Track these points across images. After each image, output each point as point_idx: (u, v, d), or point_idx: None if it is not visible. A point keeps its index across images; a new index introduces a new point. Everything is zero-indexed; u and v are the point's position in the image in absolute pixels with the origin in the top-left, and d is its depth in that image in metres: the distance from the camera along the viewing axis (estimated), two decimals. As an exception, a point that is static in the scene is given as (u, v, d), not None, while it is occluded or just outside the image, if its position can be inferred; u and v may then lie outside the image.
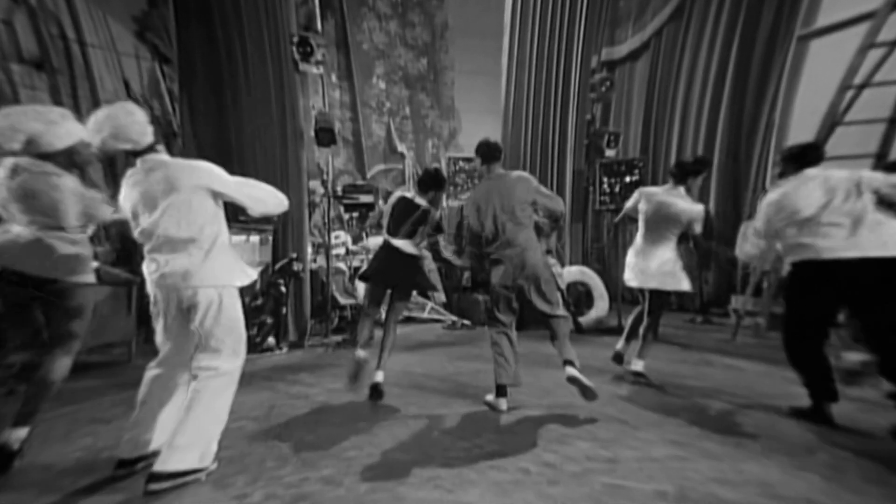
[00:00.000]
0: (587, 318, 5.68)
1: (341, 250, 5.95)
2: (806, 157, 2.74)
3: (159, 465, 1.88)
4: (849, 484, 1.99)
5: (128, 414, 2.13)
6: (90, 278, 2.30)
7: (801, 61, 6.59)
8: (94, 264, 2.41)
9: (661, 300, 3.47)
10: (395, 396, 3.13)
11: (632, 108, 8.69)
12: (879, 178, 2.53)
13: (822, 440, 2.44)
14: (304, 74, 5.21)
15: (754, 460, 2.21)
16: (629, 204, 3.62)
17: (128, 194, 2.02)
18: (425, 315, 6.09)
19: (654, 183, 6.74)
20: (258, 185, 2.19)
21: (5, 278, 2.13)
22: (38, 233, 2.14)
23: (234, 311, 2.09)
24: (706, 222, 5.86)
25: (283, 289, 4.59)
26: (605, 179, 6.15)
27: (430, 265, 3.56)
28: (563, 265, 5.72)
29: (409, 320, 5.98)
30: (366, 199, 6.06)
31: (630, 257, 3.57)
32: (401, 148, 9.04)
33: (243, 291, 2.21)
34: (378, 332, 3.31)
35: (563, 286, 5.18)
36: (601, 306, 5.74)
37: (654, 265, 3.39)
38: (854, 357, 3.22)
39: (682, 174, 3.46)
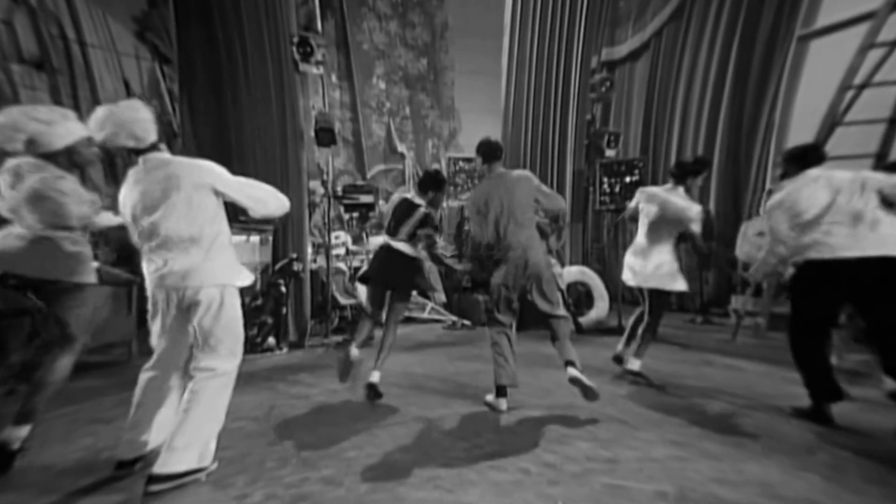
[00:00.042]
0: (587, 319, 5.67)
1: (341, 250, 5.95)
2: (808, 157, 2.75)
3: (159, 467, 1.88)
4: (849, 484, 1.99)
5: (127, 415, 2.12)
6: (91, 278, 2.30)
7: (801, 61, 6.58)
8: (95, 265, 2.40)
9: (660, 300, 3.47)
10: (396, 396, 3.13)
11: (632, 109, 8.69)
12: (883, 179, 2.55)
13: (822, 440, 2.45)
14: (304, 74, 5.21)
15: (754, 460, 2.21)
16: (632, 204, 3.62)
17: (129, 193, 2.02)
18: (425, 315, 6.09)
19: (654, 183, 6.74)
20: (260, 186, 2.18)
21: (5, 282, 2.13)
22: (39, 234, 2.14)
23: (234, 310, 2.09)
24: (706, 223, 5.88)
25: (283, 289, 4.59)
26: (605, 179, 6.15)
27: (429, 266, 3.55)
28: (563, 265, 5.72)
29: (409, 320, 5.97)
30: (366, 199, 6.06)
31: (629, 256, 3.58)
32: (401, 148, 9.04)
33: (243, 292, 2.21)
34: (379, 333, 3.32)
35: (563, 286, 5.19)
36: (601, 306, 5.74)
37: (652, 264, 3.40)
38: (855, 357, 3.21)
39: (682, 174, 3.46)
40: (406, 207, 3.27)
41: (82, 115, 2.25)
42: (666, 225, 3.39)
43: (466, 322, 5.90)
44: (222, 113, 4.83)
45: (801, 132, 6.01)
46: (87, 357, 3.56)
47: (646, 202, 3.48)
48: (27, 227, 2.14)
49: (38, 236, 2.14)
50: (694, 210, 3.30)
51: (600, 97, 6.88)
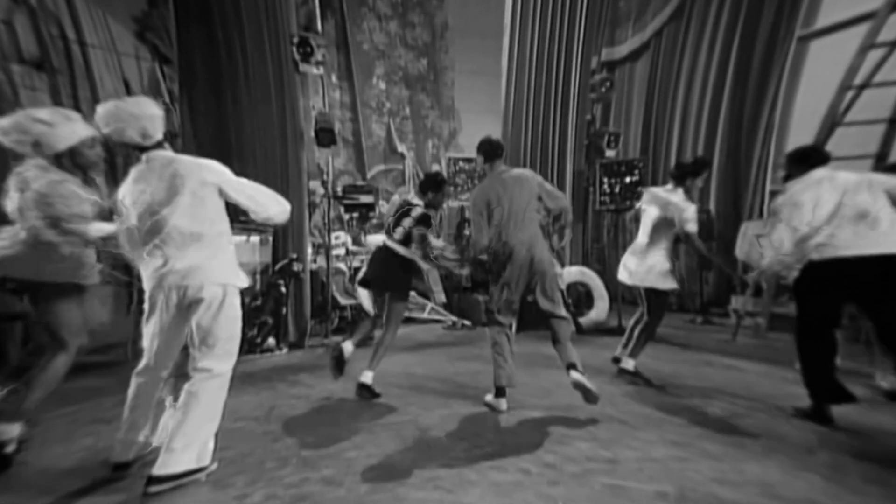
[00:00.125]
0: (587, 319, 5.67)
1: (341, 251, 5.95)
2: (812, 158, 2.75)
3: (158, 469, 1.88)
4: (849, 484, 1.99)
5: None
6: (87, 280, 2.29)
7: (801, 62, 6.59)
8: (98, 266, 2.40)
9: (658, 301, 3.47)
10: (395, 397, 3.13)
11: (632, 109, 8.69)
12: (887, 180, 2.57)
13: (822, 440, 2.45)
14: (305, 75, 5.20)
15: (755, 461, 2.21)
16: (639, 204, 3.65)
17: (130, 190, 2.01)
18: (425, 315, 6.09)
19: (654, 183, 6.74)
20: (263, 190, 2.18)
21: (3, 286, 2.13)
22: (36, 236, 2.13)
23: (234, 310, 2.08)
24: (706, 223, 5.87)
25: (283, 289, 4.59)
26: (606, 180, 6.15)
27: (428, 267, 3.55)
28: (563, 265, 5.72)
29: (409, 320, 5.96)
30: (366, 199, 6.05)
31: (627, 255, 3.61)
32: (401, 148, 9.05)
33: (243, 292, 2.21)
34: (379, 333, 3.32)
35: (563, 286, 5.19)
36: (601, 307, 5.73)
37: (646, 264, 3.42)
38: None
39: (682, 175, 3.47)
40: (404, 208, 3.30)
41: (83, 116, 2.25)
42: (665, 226, 3.40)
43: (466, 322, 5.90)
44: (222, 113, 4.83)
45: (801, 133, 6.01)
46: (87, 357, 3.57)
47: (647, 203, 3.50)
48: (27, 228, 2.13)
49: (35, 239, 2.13)
50: (689, 210, 3.31)
51: (600, 97, 6.88)
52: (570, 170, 6.22)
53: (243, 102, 4.83)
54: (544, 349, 3.45)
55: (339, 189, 6.34)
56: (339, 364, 3.17)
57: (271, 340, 4.51)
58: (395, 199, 3.43)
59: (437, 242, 3.82)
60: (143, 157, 2.03)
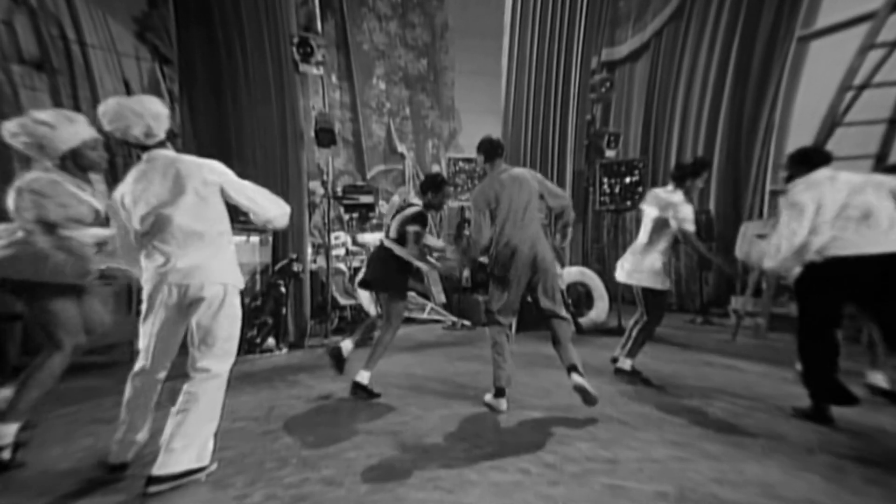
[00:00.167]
0: (587, 319, 5.67)
1: (341, 251, 5.95)
2: (814, 159, 2.75)
3: (157, 469, 1.88)
4: (850, 485, 1.99)
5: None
6: (81, 280, 2.27)
7: (801, 62, 6.59)
8: (101, 267, 2.39)
9: (655, 301, 3.47)
10: (395, 397, 3.13)
11: (632, 109, 8.69)
12: (892, 181, 2.57)
13: (822, 441, 2.44)
14: (305, 75, 5.21)
15: (755, 461, 2.20)
16: (642, 205, 3.67)
17: (131, 189, 2.00)
18: (425, 315, 6.09)
19: (654, 183, 6.75)
20: (264, 192, 2.18)
21: (3, 287, 2.13)
22: (27, 237, 2.12)
23: (234, 309, 2.08)
24: (706, 223, 5.86)
25: (282, 289, 4.58)
26: (605, 180, 6.15)
27: (426, 267, 3.55)
28: (562, 265, 5.72)
29: (409, 320, 5.96)
30: (366, 199, 6.05)
31: (626, 254, 3.62)
32: (401, 148, 9.04)
33: (243, 292, 2.21)
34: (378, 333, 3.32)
35: (563, 287, 5.19)
36: (601, 307, 5.73)
37: (640, 263, 3.43)
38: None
39: (681, 176, 3.48)
40: (402, 208, 3.33)
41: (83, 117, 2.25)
42: (664, 226, 3.41)
43: (466, 322, 5.90)
44: (222, 113, 4.83)
45: (801, 133, 6.00)
46: (87, 357, 3.57)
47: (648, 204, 3.51)
48: (23, 228, 2.13)
49: (28, 239, 2.12)
50: (686, 210, 3.31)
51: (600, 97, 6.89)
52: (570, 170, 6.23)
53: (243, 102, 4.83)
54: (544, 349, 3.45)
55: (339, 189, 6.34)
56: (338, 362, 3.19)
57: (271, 340, 4.51)
58: (395, 199, 3.45)
59: (437, 243, 3.83)
60: (145, 156, 2.03)
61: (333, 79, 8.66)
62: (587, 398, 2.69)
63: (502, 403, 2.89)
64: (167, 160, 2.01)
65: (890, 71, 5.37)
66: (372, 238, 5.99)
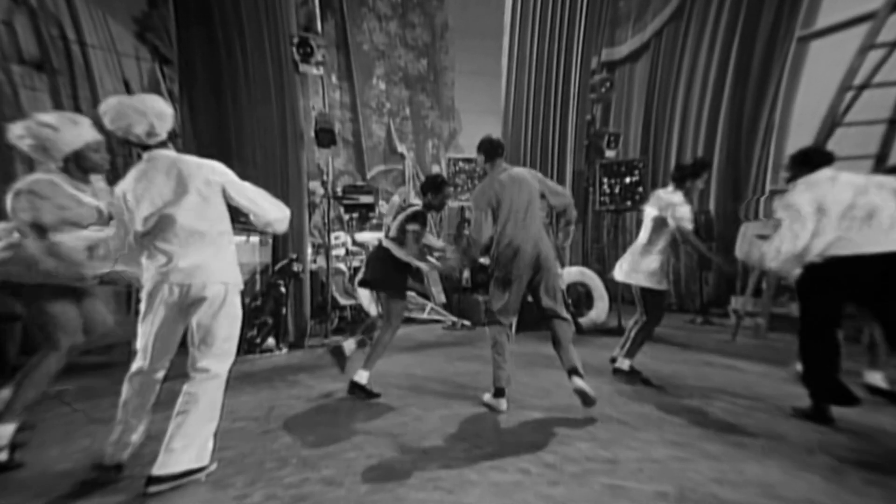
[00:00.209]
0: (587, 319, 5.67)
1: (341, 251, 5.95)
2: (816, 159, 2.75)
3: (157, 469, 1.88)
4: (849, 485, 1.99)
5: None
6: (78, 281, 2.26)
7: (801, 62, 6.58)
8: (88, 270, 2.38)
9: (654, 301, 3.47)
10: (395, 397, 3.13)
11: (632, 109, 8.69)
12: (891, 182, 2.57)
13: (822, 441, 2.44)
14: (304, 75, 5.21)
15: (755, 461, 2.20)
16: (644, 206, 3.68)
17: (132, 188, 1.99)
18: (425, 315, 6.09)
19: (654, 184, 6.75)
20: (265, 195, 2.18)
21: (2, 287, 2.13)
22: (23, 238, 2.12)
23: (235, 309, 2.08)
24: (706, 223, 5.86)
25: (282, 289, 4.58)
26: (605, 180, 6.15)
27: (426, 267, 3.56)
28: (563, 265, 5.72)
29: (409, 320, 5.96)
30: (366, 199, 6.06)
31: (626, 254, 3.62)
32: (401, 149, 9.04)
33: (243, 292, 2.21)
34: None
35: (563, 287, 5.19)
36: (601, 307, 5.73)
37: (640, 263, 3.44)
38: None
39: (681, 177, 3.48)
40: (402, 208, 3.34)
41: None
42: (663, 226, 3.41)
43: (466, 322, 5.89)
44: (222, 113, 4.83)
45: (801, 133, 6.00)
46: (87, 357, 3.57)
47: (649, 205, 3.53)
48: (17, 230, 2.12)
49: (23, 240, 2.11)
50: (684, 209, 3.31)
51: (600, 97, 6.89)
52: (570, 170, 6.23)
53: (243, 102, 4.83)
54: (544, 349, 3.45)
55: (338, 189, 6.34)
56: (340, 360, 3.20)
57: (271, 340, 4.51)
58: (395, 199, 3.46)
59: (437, 243, 3.83)
60: (146, 155, 2.02)
61: (333, 79, 8.66)
62: (587, 401, 2.70)
63: (502, 403, 2.88)
64: (169, 160, 2.01)
65: (890, 71, 5.37)
66: (370, 237, 5.99)
